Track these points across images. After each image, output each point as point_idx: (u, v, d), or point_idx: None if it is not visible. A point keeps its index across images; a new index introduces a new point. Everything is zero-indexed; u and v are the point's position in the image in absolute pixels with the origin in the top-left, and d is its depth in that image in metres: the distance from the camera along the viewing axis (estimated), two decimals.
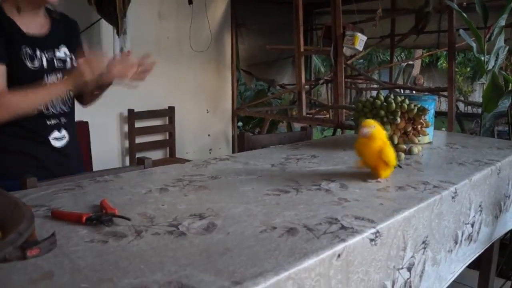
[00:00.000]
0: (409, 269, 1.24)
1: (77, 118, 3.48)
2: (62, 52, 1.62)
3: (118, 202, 1.23)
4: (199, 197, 1.30)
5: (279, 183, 1.46)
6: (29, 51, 1.49)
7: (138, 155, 3.88)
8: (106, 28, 3.62)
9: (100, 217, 1.06)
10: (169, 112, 4.22)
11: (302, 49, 4.00)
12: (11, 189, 1.24)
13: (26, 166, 1.56)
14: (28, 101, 1.47)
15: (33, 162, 1.58)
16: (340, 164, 1.77)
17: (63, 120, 1.64)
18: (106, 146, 3.86)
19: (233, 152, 4.85)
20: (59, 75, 1.58)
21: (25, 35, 1.50)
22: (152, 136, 4.08)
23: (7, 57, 1.45)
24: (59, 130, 1.63)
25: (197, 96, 4.50)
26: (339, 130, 4.03)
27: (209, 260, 0.87)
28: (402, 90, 4.59)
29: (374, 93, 7.60)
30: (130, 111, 3.93)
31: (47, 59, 1.55)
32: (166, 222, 1.08)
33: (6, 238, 0.74)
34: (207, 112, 4.64)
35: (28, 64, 1.49)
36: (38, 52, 1.52)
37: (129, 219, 1.06)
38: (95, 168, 3.58)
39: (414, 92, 4.47)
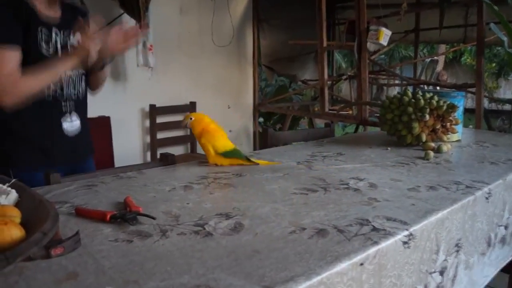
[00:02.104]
0: (441, 273, 1.19)
1: (99, 112, 3.56)
2: (76, 39, 1.60)
3: (142, 200, 1.21)
4: (224, 195, 1.27)
5: (306, 181, 1.42)
6: (45, 31, 1.49)
7: (159, 150, 3.87)
8: (128, 23, 3.60)
9: (125, 215, 1.03)
10: (191, 108, 4.20)
11: (325, 44, 3.94)
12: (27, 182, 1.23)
13: (37, 157, 1.57)
14: (38, 82, 1.45)
15: (44, 152, 1.58)
16: (367, 162, 1.72)
17: (74, 105, 1.63)
18: (128, 141, 3.86)
19: (255, 148, 4.81)
20: None
21: (42, 18, 1.50)
22: (173, 132, 4.06)
23: (23, 42, 1.44)
24: (71, 116, 1.63)
25: (219, 92, 4.47)
26: (360, 126, 3.97)
27: (237, 263, 0.84)
28: (426, 87, 4.50)
29: (396, 89, 7.49)
30: (152, 106, 3.92)
31: (61, 44, 1.55)
32: (191, 221, 1.05)
33: (30, 237, 0.72)
34: (229, 107, 4.60)
35: (44, 47, 1.49)
36: (53, 35, 1.53)
37: (154, 218, 1.03)
38: (116, 163, 3.59)
39: (438, 88, 4.38)
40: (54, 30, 1.53)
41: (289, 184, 1.38)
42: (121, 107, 3.70)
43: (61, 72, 1.51)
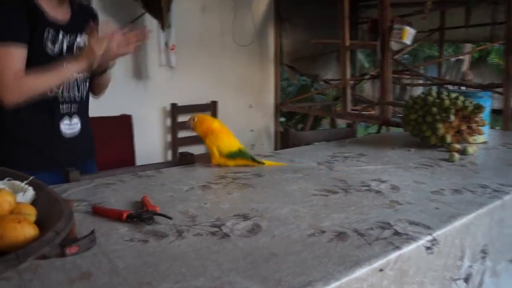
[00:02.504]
0: (466, 280, 1.15)
1: (121, 111, 3.57)
2: (82, 40, 1.59)
3: (160, 199, 1.19)
4: (243, 195, 1.25)
5: (326, 182, 1.39)
6: (52, 32, 1.48)
7: (180, 149, 3.87)
8: (150, 22, 3.61)
9: (141, 215, 1.02)
10: (212, 107, 4.20)
11: (347, 44, 3.89)
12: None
13: (34, 158, 1.53)
14: (43, 83, 1.43)
15: (41, 153, 1.55)
16: (389, 163, 1.68)
17: (75, 107, 1.60)
18: (149, 140, 3.87)
19: (276, 148, 4.78)
20: None
21: (49, 18, 1.48)
22: (194, 131, 4.05)
23: (29, 41, 1.43)
24: (70, 118, 1.59)
25: (240, 91, 4.46)
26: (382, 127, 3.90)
27: (254, 266, 0.82)
28: (452, 87, 4.41)
29: (419, 89, 7.36)
30: (173, 105, 3.93)
31: (67, 45, 1.53)
32: (208, 222, 1.03)
33: (43, 235, 0.71)
34: (250, 107, 4.59)
35: (49, 46, 1.47)
36: (60, 36, 1.51)
37: (170, 218, 1.02)
38: (138, 162, 3.60)
39: (462, 88, 4.28)
40: (61, 32, 1.51)
41: (309, 185, 1.36)
42: (143, 105, 3.72)
43: (67, 74, 1.47)
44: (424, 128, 1.97)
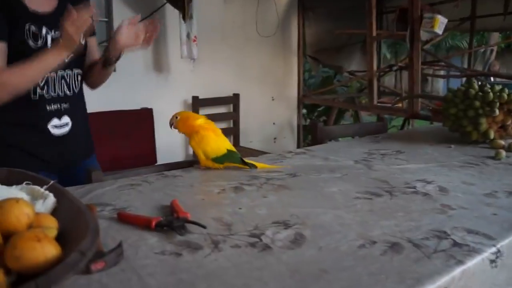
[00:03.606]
0: None
1: (142, 104, 3.50)
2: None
3: (190, 203, 1.10)
4: (280, 199, 1.15)
5: (367, 183, 1.29)
6: (33, 28, 1.38)
7: None
8: (171, 13, 3.53)
9: (172, 223, 0.93)
10: (234, 99, 4.10)
11: (374, 34, 3.75)
12: None
13: (24, 159, 1.44)
14: (26, 77, 1.34)
15: (31, 154, 1.46)
16: (431, 161, 1.57)
17: (64, 105, 1.49)
18: (170, 134, 3.75)
19: (298, 142, 4.67)
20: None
21: (30, 12, 1.38)
22: (216, 124, 3.94)
23: (8, 35, 1.34)
24: (59, 117, 1.48)
25: (262, 83, 4.35)
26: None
27: (303, 285, 0.72)
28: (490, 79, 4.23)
29: (440, 81, 7.14)
30: (195, 98, 3.84)
31: (52, 38, 1.42)
32: (246, 230, 0.93)
33: (66, 254, 0.62)
34: (272, 99, 4.48)
35: (31, 42, 1.38)
36: (44, 30, 1.40)
37: (204, 227, 0.92)
38: (159, 156, 3.53)
39: (492, 79, 4.11)
40: (44, 26, 1.41)
41: (349, 187, 1.25)
42: (164, 99, 3.63)
43: (48, 64, 1.34)
44: (465, 123, 1.84)
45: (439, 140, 1.93)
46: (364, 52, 4.79)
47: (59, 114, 1.48)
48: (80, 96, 1.58)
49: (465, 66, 5.52)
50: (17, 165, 1.30)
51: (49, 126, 1.46)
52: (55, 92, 1.46)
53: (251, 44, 4.16)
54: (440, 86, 14.13)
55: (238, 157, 1.44)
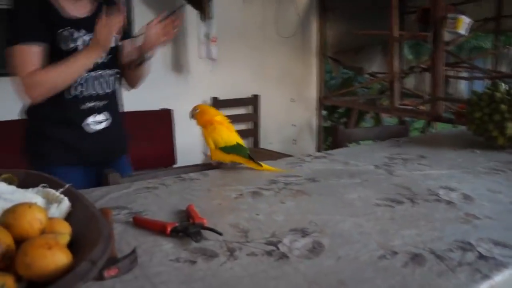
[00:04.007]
0: None
1: (161, 105, 3.50)
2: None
3: (206, 208, 1.08)
4: (298, 205, 1.12)
5: (388, 190, 1.25)
6: (66, 33, 1.46)
7: None
8: (191, 13, 3.52)
9: (187, 229, 0.91)
10: (254, 101, 4.08)
11: (396, 34, 3.69)
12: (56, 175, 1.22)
13: (63, 153, 1.53)
14: (61, 77, 1.42)
15: (69, 148, 1.53)
16: (455, 167, 1.52)
17: (99, 104, 1.56)
18: (190, 135, 3.76)
19: (319, 144, 4.63)
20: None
21: (64, 18, 1.47)
22: (236, 125, 3.92)
23: (47, 40, 1.43)
24: (95, 114, 1.55)
25: (282, 84, 4.31)
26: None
27: None
28: None
29: (462, 82, 6.96)
30: (214, 99, 3.83)
31: (84, 41, 1.49)
32: (263, 238, 0.91)
33: (77, 262, 0.61)
34: (292, 101, 4.44)
35: (64, 46, 1.45)
36: (75, 34, 1.47)
37: (220, 234, 0.90)
38: (178, 157, 3.53)
39: None
40: (78, 30, 1.48)
41: (370, 193, 1.22)
42: (183, 99, 3.62)
43: (81, 64, 1.43)
44: (491, 128, 1.79)
45: (463, 145, 1.88)
46: (385, 53, 4.72)
47: (94, 112, 1.55)
48: (115, 94, 1.64)
49: (488, 67, 5.40)
50: (57, 158, 1.51)
51: (85, 123, 1.53)
52: (91, 91, 1.52)
53: (270, 44, 4.13)
54: (462, 88, 13.90)
55: (246, 152, 1.45)
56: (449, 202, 1.16)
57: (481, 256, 0.85)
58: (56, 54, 1.43)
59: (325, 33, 4.56)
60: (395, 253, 0.86)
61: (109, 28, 1.39)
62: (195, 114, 1.51)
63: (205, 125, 1.49)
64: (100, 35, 1.40)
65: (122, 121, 1.69)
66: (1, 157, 1.97)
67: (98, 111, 1.55)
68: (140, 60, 1.59)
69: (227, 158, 1.46)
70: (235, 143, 1.45)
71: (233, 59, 3.89)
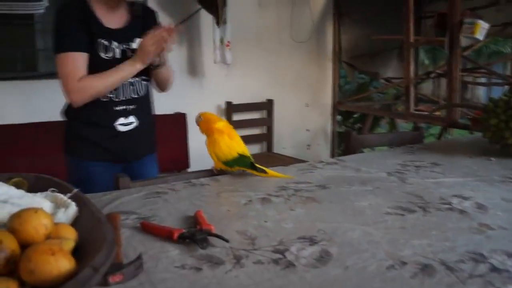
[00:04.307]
0: None
1: (175, 109, 3.51)
2: (137, 43, 1.64)
3: (215, 215, 1.08)
4: (307, 212, 1.11)
5: (400, 198, 1.23)
6: (105, 42, 1.60)
7: None
8: (205, 18, 3.54)
9: (194, 235, 0.91)
10: (268, 105, 4.07)
11: (411, 40, 3.66)
12: (88, 169, 1.67)
13: (94, 151, 1.69)
14: (105, 84, 1.58)
15: (99, 146, 1.68)
16: (469, 175, 1.49)
17: (130, 107, 1.70)
18: (203, 139, 3.78)
19: (333, 149, 4.60)
20: None
21: (104, 28, 1.61)
22: (250, 130, 3.95)
23: (89, 48, 1.58)
24: (126, 116, 1.69)
25: (297, 89, 4.30)
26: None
27: None
28: None
29: (480, 88, 6.87)
30: (228, 104, 3.84)
31: (121, 50, 1.64)
32: (270, 246, 0.90)
33: (80, 268, 0.60)
34: (307, 106, 4.42)
35: (103, 55, 1.60)
36: (113, 44, 1.62)
37: (227, 241, 0.90)
38: (192, 161, 3.53)
39: None
40: (114, 39, 1.62)
41: (381, 201, 1.20)
42: (198, 104, 3.63)
43: (124, 75, 1.59)
44: (507, 135, 1.76)
45: (478, 152, 1.85)
46: (401, 58, 4.68)
47: (125, 114, 1.69)
48: (145, 99, 1.79)
49: (508, 73, 5.33)
50: (89, 155, 1.69)
51: (116, 124, 1.67)
52: (123, 96, 1.67)
53: (285, 49, 4.13)
54: (481, 94, 13.74)
55: (249, 162, 1.44)
56: (462, 211, 1.14)
57: (493, 269, 0.83)
58: (96, 61, 1.58)
59: (340, 38, 4.54)
60: (404, 263, 0.84)
61: (156, 43, 1.54)
62: (199, 122, 1.53)
63: (208, 134, 1.50)
64: (146, 49, 1.55)
65: (152, 123, 1.85)
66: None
67: (128, 113, 1.69)
68: (153, 66, 1.69)
69: (230, 169, 1.45)
70: (236, 155, 1.43)
71: (248, 63, 3.89)
